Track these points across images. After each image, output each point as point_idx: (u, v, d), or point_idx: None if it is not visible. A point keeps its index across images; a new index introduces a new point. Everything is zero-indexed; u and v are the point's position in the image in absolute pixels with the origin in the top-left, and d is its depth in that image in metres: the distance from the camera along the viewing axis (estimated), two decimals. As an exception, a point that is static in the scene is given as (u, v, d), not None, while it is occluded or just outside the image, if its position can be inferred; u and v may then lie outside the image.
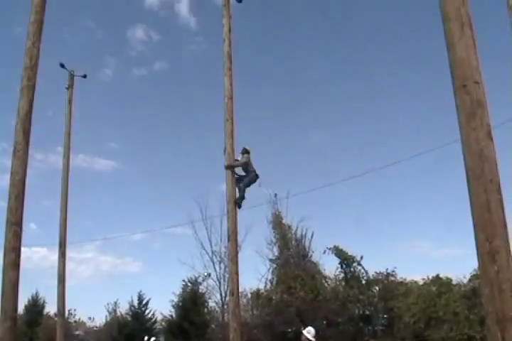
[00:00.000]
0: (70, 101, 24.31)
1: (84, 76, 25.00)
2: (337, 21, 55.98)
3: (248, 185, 16.33)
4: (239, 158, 16.33)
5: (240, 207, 15.78)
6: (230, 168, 15.91)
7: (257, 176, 16.50)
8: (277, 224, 36.94)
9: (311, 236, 36.24)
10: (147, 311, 43.92)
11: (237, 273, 14.84)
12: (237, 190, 15.97)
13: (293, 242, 36.52)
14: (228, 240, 15.21)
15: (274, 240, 36.90)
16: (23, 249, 10.66)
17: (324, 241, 36.88)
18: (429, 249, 50.52)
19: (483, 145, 5.95)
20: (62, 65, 24.48)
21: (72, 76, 24.59)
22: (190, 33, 55.15)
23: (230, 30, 17.06)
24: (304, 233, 36.35)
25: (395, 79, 54.82)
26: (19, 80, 11.55)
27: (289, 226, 36.80)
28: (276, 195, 36.82)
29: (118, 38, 57.15)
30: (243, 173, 16.43)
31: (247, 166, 16.44)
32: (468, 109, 6.11)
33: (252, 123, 49.96)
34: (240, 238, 16.06)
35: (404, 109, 54.27)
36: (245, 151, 16.54)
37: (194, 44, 56.88)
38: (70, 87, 24.50)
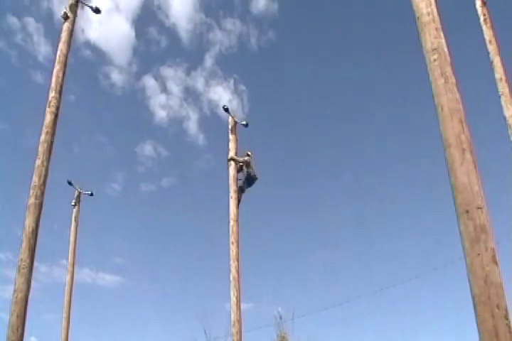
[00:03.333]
0: (75, 219, 24.44)
1: (91, 194, 25.25)
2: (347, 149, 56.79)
3: (249, 185, 17.81)
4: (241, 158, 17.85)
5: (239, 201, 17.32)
6: (232, 160, 17.56)
7: (255, 177, 17.91)
8: (282, 345, 36.03)
9: (318, 358, 35.28)
10: None
11: None
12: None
13: (298, 364, 35.47)
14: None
15: (279, 362, 35.87)
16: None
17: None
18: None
19: (488, 270, 5.89)
20: (69, 183, 24.87)
21: (79, 194, 24.90)
22: (198, 149, 55.78)
23: (236, 154, 17.57)
24: (310, 355, 35.41)
25: (403, 197, 54.88)
26: (25, 188, 11.87)
27: (295, 348, 35.88)
28: (281, 317, 36.16)
29: (127, 153, 57.69)
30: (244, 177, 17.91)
31: (248, 166, 17.77)
32: (471, 235, 6.11)
33: (258, 245, 49.62)
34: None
35: (415, 227, 53.98)
36: (247, 154, 17.99)
37: (202, 161, 57.44)
38: (77, 204, 24.75)
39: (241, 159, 17.73)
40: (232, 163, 17.39)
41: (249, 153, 18.09)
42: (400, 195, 53.73)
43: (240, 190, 17.49)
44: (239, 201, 17.30)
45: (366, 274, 48.11)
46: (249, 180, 17.84)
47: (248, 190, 17.84)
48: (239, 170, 17.69)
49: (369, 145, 55.22)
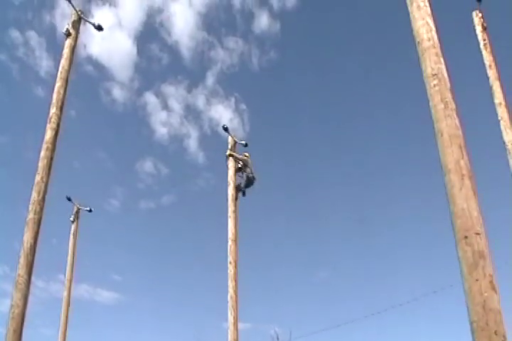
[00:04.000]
0: (74, 234, 24.39)
1: (90, 210, 25.21)
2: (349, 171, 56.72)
3: (247, 186, 18.44)
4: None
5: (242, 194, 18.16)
6: (232, 156, 18.22)
7: (253, 178, 18.57)
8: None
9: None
10: None
11: None
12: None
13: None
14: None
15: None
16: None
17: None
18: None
19: (487, 297, 5.89)
20: (68, 199, 24.83)
21: (78, 210, 24.88)
22: (198, 167, 55.56)
23: (234, 174, 17.65)
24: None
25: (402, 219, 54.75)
26: (25, 202, 11.81)
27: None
28: (278, 337, 35.90)
29: (127, 169, 57.38)
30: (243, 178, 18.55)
31: (246, 166, 18.51)
32: (470, 261, 6.11)
33: (256, 265, 49.26)
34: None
35: (415, 249, 53.69)
36: (244, 156, 18.66)
37: (202, 179, 57.21)
38: (76, 220, 24.71)
39: (240, 156, 18.33)
40: (231, 182, 17.61)
41: (247, 154, 18.70)
42: (400, 214, 53.70)
43: (239, 189, 18.07)
44: (236, 198, 17.60)
45: (365, 296, 47.80)
46: (248, 182, 18.42)
47: (248, 190, 18.44)
48: (238, 170, 18.32)
49: (369, 165, 55.25)
